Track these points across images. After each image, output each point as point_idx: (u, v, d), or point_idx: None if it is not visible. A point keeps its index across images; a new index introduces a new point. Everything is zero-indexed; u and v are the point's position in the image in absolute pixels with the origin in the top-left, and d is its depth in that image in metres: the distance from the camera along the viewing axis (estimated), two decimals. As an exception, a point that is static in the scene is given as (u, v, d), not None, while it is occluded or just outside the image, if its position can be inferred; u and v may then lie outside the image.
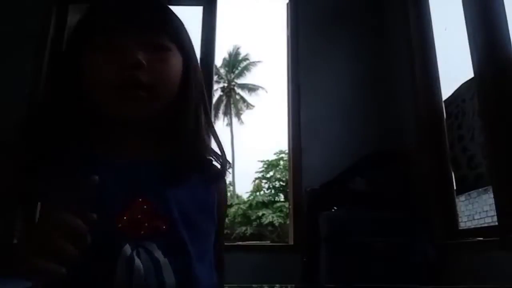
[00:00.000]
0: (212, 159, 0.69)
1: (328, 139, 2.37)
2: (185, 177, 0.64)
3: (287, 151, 2.55)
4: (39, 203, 0.56)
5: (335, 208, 1.86)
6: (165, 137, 0.68)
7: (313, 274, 1.83)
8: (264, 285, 0.97)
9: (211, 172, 0.69)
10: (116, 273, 0.55)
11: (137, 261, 0.56)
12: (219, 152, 0.70)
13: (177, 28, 0.67)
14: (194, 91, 0.68)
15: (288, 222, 2.66)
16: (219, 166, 0.70)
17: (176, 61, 0.65)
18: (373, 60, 2.53)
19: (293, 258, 2.09)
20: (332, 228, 1.73)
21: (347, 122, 2.41)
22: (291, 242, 2.29)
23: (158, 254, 0.58)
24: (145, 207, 0.60)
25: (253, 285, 0.71)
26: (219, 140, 0.71)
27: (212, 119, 0.77)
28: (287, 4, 2.73)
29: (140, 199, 0.60)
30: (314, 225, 1.88)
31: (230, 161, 0.73)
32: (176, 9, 0.72)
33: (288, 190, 2.40)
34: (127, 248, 0.57)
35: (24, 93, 2.43)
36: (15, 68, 2.50)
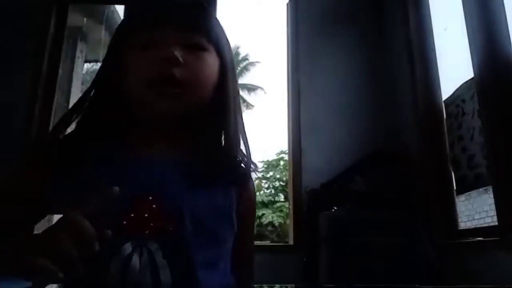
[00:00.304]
0: (239, 161, 0.68)
1: (328, 139, 2.37)
2: (208, 180, 0.63)
3: (287, 151, 2.55)
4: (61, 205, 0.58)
5: (335, 208, 1.86)
6: (194, 138, 0.67)
7: (313, 274, 1.83)
8: (264, 285, 0.96)
9: (234, 174, 0.67)
10: (109, 270, 0.55)
11: (135, 260, 0.56)
12: (245, 154, 0.69)
13: (215, 30, 0.67)
14: (231, 93, 0.68)
15: (288, 222, 2.65)
16: (244, 168, 0.68)
17: (212, 61, 0.65)
18: (373, 60, 2.53)
19: (293, 258, 2.09)
20: (332, 228, 1.73)
21: (347, 122, 2.41)
22: (291, 242, 2.28)
23: (158, 255, 0.57)
24: (154, 206, 0.59)
25: (253, 285, 0.70)
26: (247, 143, 0.69)
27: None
28: (287, 4, 2.73)
29: (150, 198, 0.59)
30: (314, 225, 1.88)
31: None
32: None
33: (288, 190, 2.39)
34: (128, 246, 0.57)
35: (23, 94, 2.44)
36: (15, 68, 2.50)
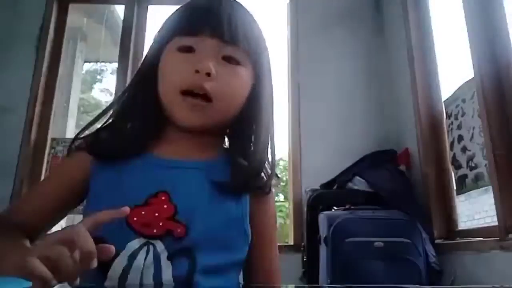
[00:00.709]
0: (261, 174, 0.67)
1: (328, 139, 2.37)
2: (224, 188, 0.63)
3: (287, 151, 2.55)
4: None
5: (335, 208, 1.86)
6: (219, 146, 0.70)
7: (313, 274, 1.83)
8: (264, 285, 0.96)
9: (254, 187, 0.66)
10: (111, 265, 0.56)
11: (140, 257, 0.56)
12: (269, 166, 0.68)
13: (256, 45, 0.67)
14: (263, 109, 0.68)
15: (288, 222, 2.65)
16: (265, 181, 0.68)
17: (246, 77, 0.65)
18: (373, 60, 2.53)
19: (293, 258, 2.09)
20: (332, 228, 1.73)
21: (347, 122, 2.41)
22: (291, 242, 2.28)
23: (163, 255, 0.57)
24: (165, 206, 0.60)
25: (253, 285, 0.70)
26: (274, 158, 0.69)
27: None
28: (287, 4, 2.73)
29: (163, 198, 0.60)
30: (314, 225, 1.87)
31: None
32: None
33: (288, 190, 2.40)
34: (135, 243, 0.57)
35: (23, 94, 2.44)
36: (15, 68, 2.50)
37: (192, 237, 0.59)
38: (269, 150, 0.69)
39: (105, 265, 0.56)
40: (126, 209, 0.50)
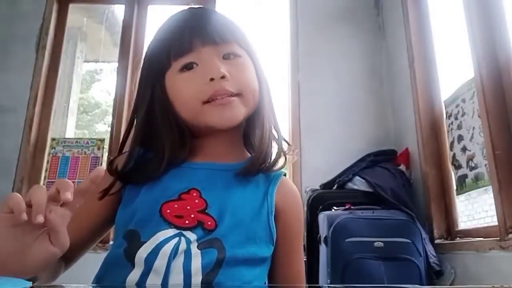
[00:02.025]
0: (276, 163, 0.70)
1: (328, 139, 2.37)
2: (250, 183, 0.67)
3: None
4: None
5: (335, 208, 1.86)
6: (242, 140, 0.73)
7: (313, 274, 1.83)
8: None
9: (277, 179, 0.69)
10: (137, 251, 0.58)
11: (167, 246, 0.58)
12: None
13: (243, 35, 0.71)
14: (266, 93, 0.71)
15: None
16: (288, 181, 0.71)
17: (249, 65, 0.69)
18: (373, 59, 2.53)
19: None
20: (332, 228, 1.73)
21: (347, 122, 2.41)
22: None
23: (194, 245, 0.59)
24: (196, 201, 0.63)
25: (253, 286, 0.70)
26: (281, 143, 0.71)
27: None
28: (288, 3, 2.73)
29: (195, 194, 0.64)
30: (314, 225, 1.88)
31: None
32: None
33: (288, 190, 2.39)
34: (166, 232, 0.60)
35: (23, 94, 2.44)
36: (15, 68, 2.50)
37: (222, 229, 0.61)
38: (276, 131, 0.72)
39: (133, 251, 0.59)
40: (101, 168, 0.54)
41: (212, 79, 0.63)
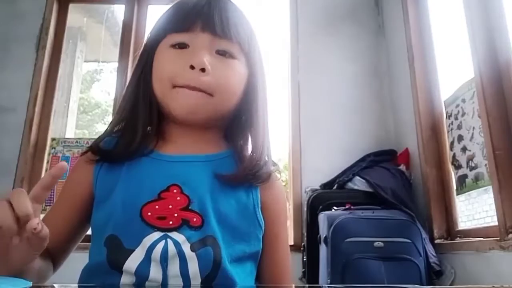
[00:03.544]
0: (265, 163, 0.68)
1: (328, 139, 2.37)
2: (233, 179, 0.64)
3: (287, 151, 2.55)
4: None
5: (335, 208, 1.86)
6: (222, 138, 0.71)
7: (313, 274, 1.83)
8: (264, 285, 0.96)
9: (261, 176, 0.67)
10: (126, 260, 0.56)
11: (156, 251, 0.56)
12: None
13: (246, 37, 0.67)
14: (260, 102, 0.69)
15: (288, 222, 2.64)
16: (269, 170, 0.68)
17: (241, 70, 0.66)
18: (373, 59, 2.53)
19: (293, 258, 2.08)
20: (332, 228, 1.73)
21: (347, 122, 2.41)
22: (291, 242, 2.28)
23: (186, 248, 0.57)
24: (178, 198, 0.60)
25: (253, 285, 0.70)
26: (270, 149, 0.70)
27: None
28: (288, 3, 2.72)
29: (175, 191, 0.60)
30: (314, 225, 1.87)
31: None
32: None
33: (288, 190, 2.40)
34: (152, 236, 0.57)
35: (23, 94, 2.44)
36: (15, 68, 2.50)
37: (210, 225, 0.59)
38: (265, 139, 0.70)
39: (119, 260, 0.56)
40: (63, 163, 0.52)
41: (192, 67, 0.61)
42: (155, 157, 0.64)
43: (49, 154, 2.43)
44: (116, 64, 2.64)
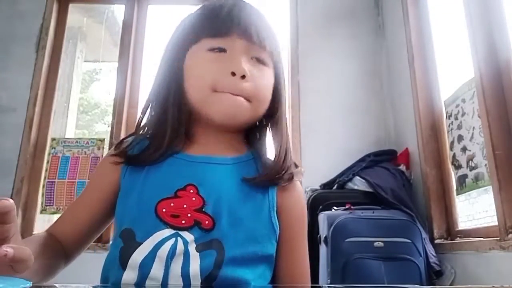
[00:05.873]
0: (288, 168, 0.69)
1: (328, 139, 2.37)
2: (251, 183, 0.65)
3: (287, 151, 2.53)
4: None
5: (335, 208, 1.86)
6: (248, 143, 0.72)
7: (313, 274, 1.83)
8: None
9: (282, 180, 0.67)
10: (132, 254, 0.57)
11: (164, 248, 0.57)
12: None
13: (277, 47, 0.70)
14: (284, 107, 0.72)
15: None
16: (291, 175, 0.69)
17: (271, 78, 0.69)
18: (373, 59, 2.53)
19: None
20: (332, 228, 1.73)
21: (347, 122, 2.41)
22: (291, 242, 2.28)
23: (192, 248, 0.58)
24: (193, 199, 0.61)
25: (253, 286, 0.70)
26: (290, 149, 0.72)
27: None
28: (288, 3, 2.73)
29: (191, 191, 0.61)
30: (314, 225, 1.87)
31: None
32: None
33: (288, 190, 2.39)
34: (163, 233, 0.58)
35: (23, 94, 2.44)
36: (15, 68, 2.50)
37: (220, 229, 0.60)
38: (288, 143, 0.72)
39: (129, 251, 0.58)
40: (9, 201, 0.42)
41: (233, 74, 0.62)
42: (178, 157, 0.66)
43: (49, 154, 2.43)
44: (116, 64, 2.64)
